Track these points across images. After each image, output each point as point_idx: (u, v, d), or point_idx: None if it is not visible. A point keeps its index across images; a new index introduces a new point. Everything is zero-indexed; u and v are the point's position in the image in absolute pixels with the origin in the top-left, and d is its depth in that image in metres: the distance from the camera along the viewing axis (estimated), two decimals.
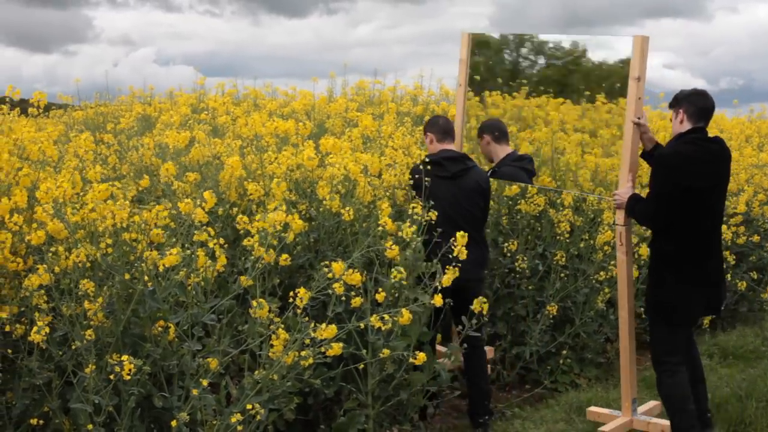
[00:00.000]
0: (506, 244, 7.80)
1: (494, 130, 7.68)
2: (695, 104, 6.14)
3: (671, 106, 6.36)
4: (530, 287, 8.05)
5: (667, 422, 6.32)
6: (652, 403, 6.86)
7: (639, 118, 6.38)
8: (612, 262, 8.00)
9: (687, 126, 6.13)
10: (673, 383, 6.07)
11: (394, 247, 5.53)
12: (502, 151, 7.66)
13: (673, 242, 5.99)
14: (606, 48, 7.20)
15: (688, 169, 5.96)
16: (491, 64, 8.05)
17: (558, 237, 8.01)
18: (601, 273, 8.02)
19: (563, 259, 7.94)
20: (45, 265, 4.61)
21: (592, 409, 6.87)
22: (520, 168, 7.53)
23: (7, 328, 4.71)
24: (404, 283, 5.70)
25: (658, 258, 6.18)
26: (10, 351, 4.81)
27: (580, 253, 8.24)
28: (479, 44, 7.84)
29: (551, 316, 7.88)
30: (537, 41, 7.77)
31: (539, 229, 8.29)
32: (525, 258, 7.85)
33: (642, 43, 6.40)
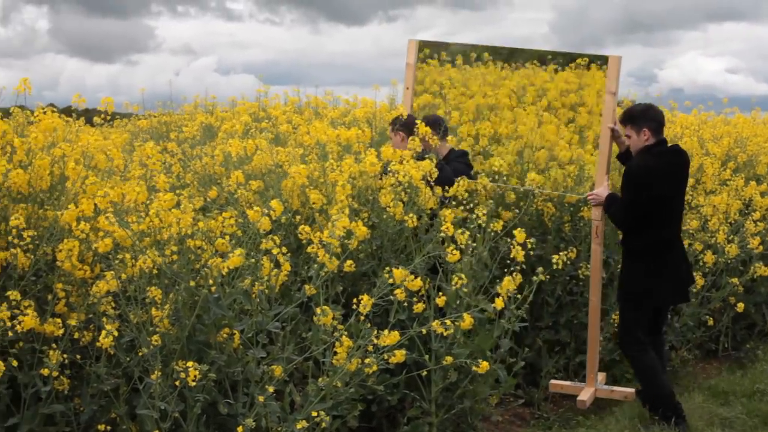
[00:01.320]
0: (565, 252, 7.75)
1: (441, 126, 7.46)
2: (656, 120, 6.97)
3: (626, 122, 7.06)
4: None
5: (628, 389, 7.42)
6: (602, 375, 7.73)
7: (613, 126, 7.23)
8: None
9: (652, 140, 6.89)
10: (647, 358, 6.99)
11: (455, 252, 5.52)
12: (444, 148, 7.57)
13: (641, 240, 6.83)
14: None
15: (656, 181, 6.74)
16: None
17: (620, 244, 7.93)
18: None
19: None
20: (112, 272, 4.65)
21: (555, 381, 7.58)
22: (465, 165, 7.51)
23: (76, 335, 4.76)
24: (465, 291, 5.69)
25: (628, 254, 7.02)
26: (78, 357, 4.87)
27: None
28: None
29: (615, 324, 7.81)
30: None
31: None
32: (588, 265, 7.79)
33: (617, 62, 7.42)
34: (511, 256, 5.73)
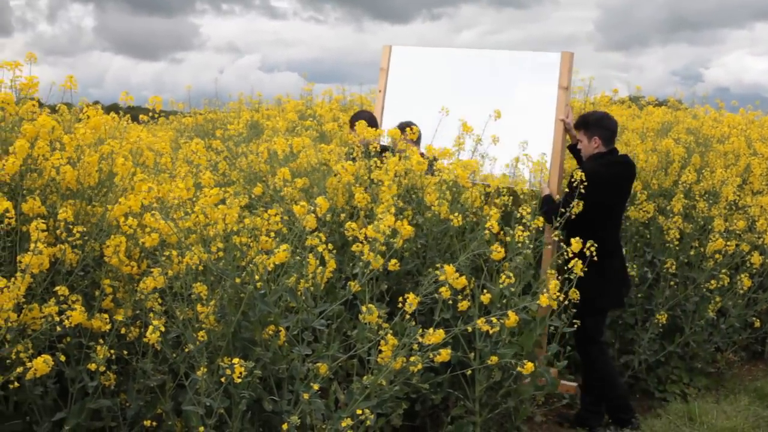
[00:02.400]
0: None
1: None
2: (608, 129, 7.14)
3: (579, 127, 7.29)
4: (639, 295, 7.96)
5: (574, 384, 7.38)
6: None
7: (564, 120, 7.47)
8: (723, 270, 7.87)
9: (602, 149, 7.08)
10: (606, 359, 7.16)
11: (500, 249, 5.51)
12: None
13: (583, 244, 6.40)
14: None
15: (599, 188, 6.67)
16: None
17: (667, 244, 7.89)
18: (712, 282, 7.87)
19: (673, 267, 7.83)
20: (159, 269, 4.68)
21: None
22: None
23: (123, 331, 4.79)
24: (512, 290, 5.68)
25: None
26: (125, 352, 4.90)
27: (689, 261, 8.12)
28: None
29: (660, 325, 7.77)
30: None
31: (648, 236, 8.19)
32: (634, 266, 7.75)
33: (568, 58, 7.81)
34: (569, 266, 5.70)
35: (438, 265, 5.01)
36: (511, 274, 5.53)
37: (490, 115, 7.10)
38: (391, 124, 7.76)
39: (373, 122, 7.74)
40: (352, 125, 7.54)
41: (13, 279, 4.17)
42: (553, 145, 7.58)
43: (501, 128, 7.00)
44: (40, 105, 5.45)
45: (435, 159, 6.61)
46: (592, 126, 7.15)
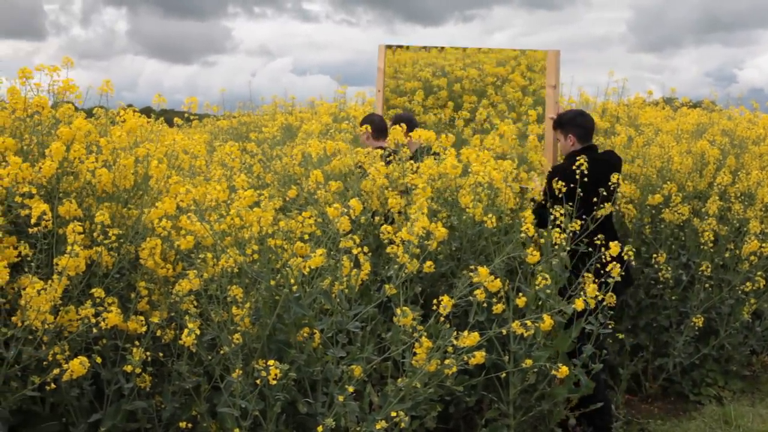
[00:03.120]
0: (655, 255, 7.65)
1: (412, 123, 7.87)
2: (582, 127, 7.17)
3: (555, 126, 7.41)
4: (674, 297, 7.91)
5: None
6: None
7: (554, 117, 7.61)
8: (759, 273, 7.81)
9: (578, 146, 7.12)
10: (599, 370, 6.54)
11: (535, 252, 5.49)
12: (413, 145, 7.67)
13: None
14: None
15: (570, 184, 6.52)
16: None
17: (702, 246, 7.84)
18: (747, 284, 7.81)
19: (708, 270, 7.77)
20: (195, 271, 4.69)
21: None
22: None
23: (158, 333, 4.82)
24: (548, 292, 5.66)
25: None
26: (161, 354, 4.92)
27: (725, 263, 8.06)
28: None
29: (695, 328, 7.72)
30: None
31: (683, 238, 8.14)
32: (669, 268, 7.71)
33: (555, 57, 8.10)
34: (607, 269, 5.66)
35: (472, 267, 5.00)
36: (547, 276, 5.52)
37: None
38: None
39: (383, 125, 7.99)
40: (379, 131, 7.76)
41: (49, 281, 4.21)
42: (545, 142, 7.91)
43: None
44: (76, 109, 5.48)
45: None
46: (566, 125, 7.27)
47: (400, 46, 9.16)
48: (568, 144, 7.21)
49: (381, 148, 7.13)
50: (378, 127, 7.88)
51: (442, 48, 9.08)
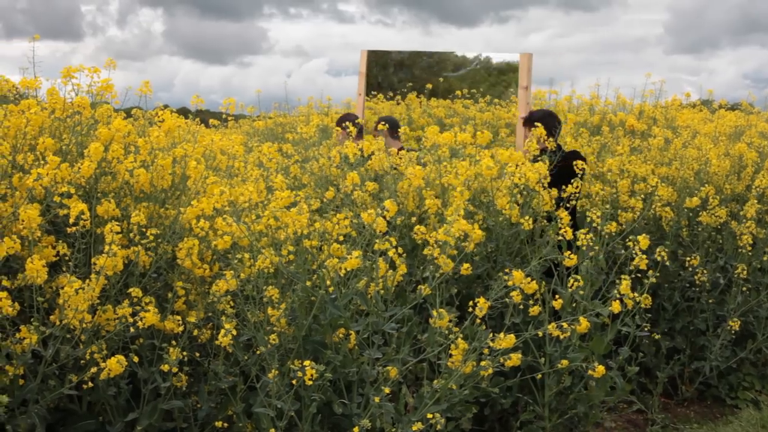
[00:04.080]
0: (688, 258, 7.59)
1: (393, 125, 8.47)
2: (547, 125, 7.28)
3: (525, 124, 7.77)
4: (710, 301, 7.85)
5: None
6: None
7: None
8: None
9: (546, 145, 7.31)
10: None
11: (572, 256, 5.48)
12: (395, 144, 8.18)
13: None
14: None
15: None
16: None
17: (740, 249, 7.77)
18: None
19: (745, 273, 7.70)
20: (232, 271, 4.70)
21: None
22: None
23: (195, 333, 4.84)
24: (581, 293, 5.64)
25: None
26: (197, 354, 4.94)
27: (762, 266, 7.98)
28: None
29: (732, 331, 7.65)
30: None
31: (720, 241, 8.08)
32: (705, 271, 7.66)
33: (528, 59, 8.59)
34: (635, 263, 5.62)
35: (506, 270, 4.99)
36: (580, 278, 5.49)
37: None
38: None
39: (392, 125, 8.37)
40: (339, 125, 8.09)
41: (87, 280, 4.23)
42: (516, 141, 8.35)
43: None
44: (115, 110, 5.52)
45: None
46: (532, 124, 7.36)
47: (378, 51, 9.72)
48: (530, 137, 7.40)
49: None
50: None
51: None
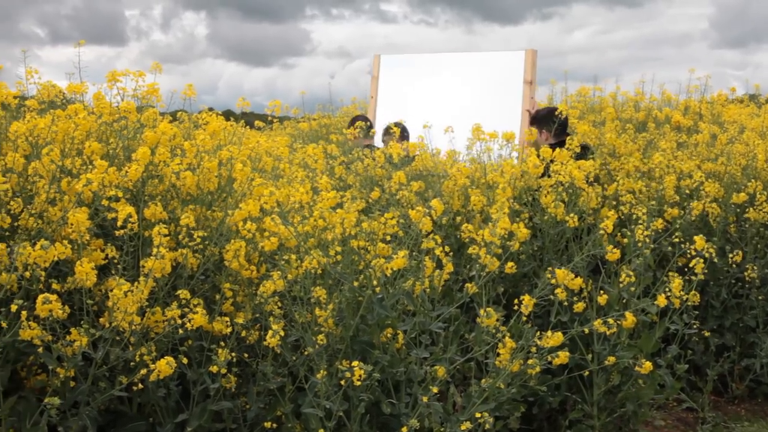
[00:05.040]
0: (731, 255, 7.52)
1: (403, 130, 8.53)
2: (553, 122, 7.58)
3: (531, 123, 8.11)
4: (760, 297, 7.77)
5: None
6: None
7: (530, 110, 8.47)
8: None
9: (552, 141, 7.60)
10: None
11: (615, 250, 5.44)
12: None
13: None
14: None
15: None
16: None
17: None
18: None
19: None
20: (279, 272, 4.71)
21: None
22: None
23: (243, 334, 4.85)
24: (632, 289, 5.60)
25: None
26: (245, 355, 4.96)
27: None
28: None
29: None
30: None
31: None
32: (755, 267, 7.58)
33: (532, 55, 8.96)
34: (690, 265, 5.57)
35: (550, 268, 4.98)
36: (631, 273, 5.46)
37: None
38: (382, 126, 8.93)
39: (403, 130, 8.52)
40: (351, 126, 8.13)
41: (136, 283, 4.25)
42: (520, 136, 8.41)
43: (479, 120, 7.33)
44: (160, 114, 5.55)
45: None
46: (540, 121, 7.89)
47: (391, 56, 10.05)
48: (542, 138, 7.76)
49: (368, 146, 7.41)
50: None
51: None
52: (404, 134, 8.48)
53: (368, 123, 8.76)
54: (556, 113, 7.59)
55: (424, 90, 9.60)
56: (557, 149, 6.40)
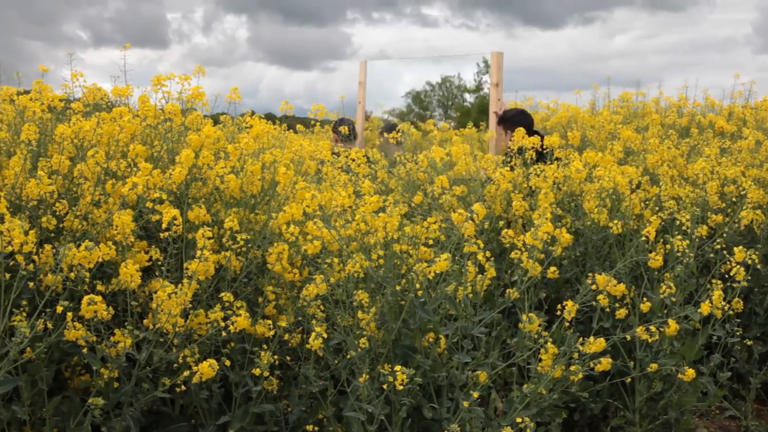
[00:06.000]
0: None
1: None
2: (519, 124, 7.60)
3: (499, 122, 8.54)
4: None
5: None
6: None
7: (497, 112, 8.80)
8: None
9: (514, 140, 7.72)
10: None
11: (657, 257, 5.41)
12: (397, 149, 8.86)
13: None
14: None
15: None
16: None
17: None
18: None
19: None
20: (321, 275, 4.73)
21: None
22: None
23: (285, 336, 4.87)
24: (673, 300, 5.57)
25: None
26: (288, 358, 4.97)
27: None
28: None
29: None
30: None
31: None
32: None
33: (498, 57, 9.33)
34: (731, 273, 5.52)
35: (590, 274, 4.96)
36: (671, 284, 5.43)
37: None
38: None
39: (353, 129, 9.31)
40: (334, 131, 8.90)
41: (180, 285, 4.28)
42: (490, 135, 8.99)
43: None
44: (204, 116, 5.58)
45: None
46: (507, 122, 8.26)
47: (377, 61, 10.62)
48: (507, 139, 7.98)
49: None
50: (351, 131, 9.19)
51: None
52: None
53: (351, 126, 9.39)
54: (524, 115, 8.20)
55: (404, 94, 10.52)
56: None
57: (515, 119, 8.12)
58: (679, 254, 5.76)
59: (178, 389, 4.50)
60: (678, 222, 5.99)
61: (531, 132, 7.75)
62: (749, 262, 5.67)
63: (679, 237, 5.71)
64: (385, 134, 8.93)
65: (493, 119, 8.98)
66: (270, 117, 7.51)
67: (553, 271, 5.20)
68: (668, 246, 5.96)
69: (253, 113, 5.76)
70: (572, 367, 4.71)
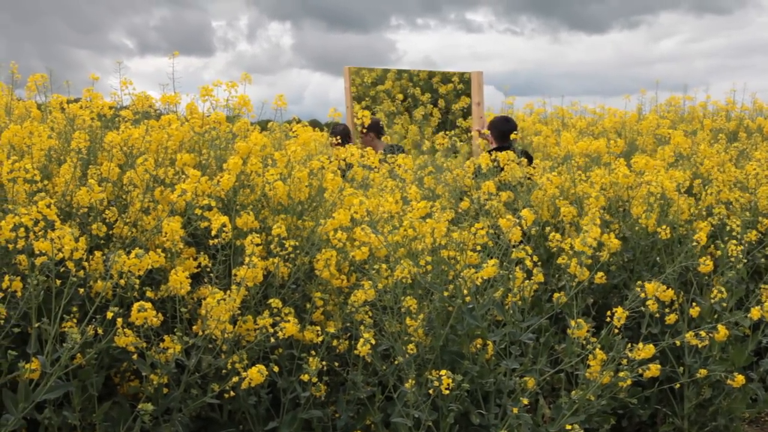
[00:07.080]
0: None
1: (378, 128, 9.69)
2: (498, 128, 8.71)
3: (488, 128, 8.88)
4: None
5: None
6: None
7: (480, 130, 9.16)
8: None
9: (494, 145, 8.67)
10: None
11: (708, 262, 5.37)
12: (380, 144, 9.56)
13: None
14: None
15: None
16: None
17: None
18: None
19: None
20: (369, 281, 4.73)
21: None
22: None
23: (333, 343, 4.87)
24: (724, 305, 5.52)
25: None
26: (336, 364, 4.98)
27: None
28: None
29: None
30: None
31: None
32: None
33: (477, 77, 9.76)
34: None
35: (639, 283, 4.93)
36: (723, 289, 5.38)
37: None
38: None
39: (347, 135, 9.32)
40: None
41: (228, 291, 4.30)
42: (472, 150, 9.46)
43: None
44: (251, 124, 5.61)
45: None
46: (490, 127, 8.76)
47: (361, 68, 10.87)
48: (490, 142, 8.80)
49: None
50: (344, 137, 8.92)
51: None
52: (381, 130, 9.70)
53: (345, 130, 9.52)
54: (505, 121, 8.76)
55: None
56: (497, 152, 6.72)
57: (493, 124, 8.80)
58: (732, 259, 5.71)
59: (226, 395, 4.52)
60: (728, 227, 5.93)
61: (507, 137, 8.40)
62: None
63: (734, 242, 5.66)
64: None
65: (476, 136, 9.43)
66: (314, 123, 7.56)
67: (600, 276, 5.18)
68: (718, 252, 5.91)
69: (298, 120, 5.78)
70: (621, 374, 4.69)
